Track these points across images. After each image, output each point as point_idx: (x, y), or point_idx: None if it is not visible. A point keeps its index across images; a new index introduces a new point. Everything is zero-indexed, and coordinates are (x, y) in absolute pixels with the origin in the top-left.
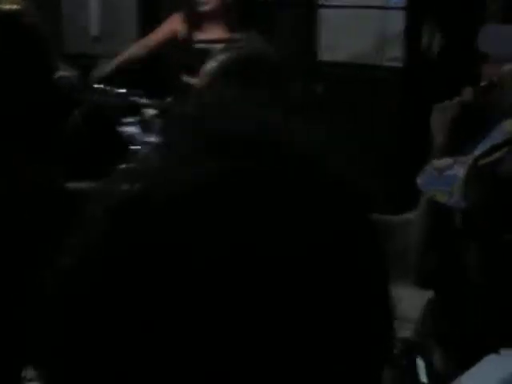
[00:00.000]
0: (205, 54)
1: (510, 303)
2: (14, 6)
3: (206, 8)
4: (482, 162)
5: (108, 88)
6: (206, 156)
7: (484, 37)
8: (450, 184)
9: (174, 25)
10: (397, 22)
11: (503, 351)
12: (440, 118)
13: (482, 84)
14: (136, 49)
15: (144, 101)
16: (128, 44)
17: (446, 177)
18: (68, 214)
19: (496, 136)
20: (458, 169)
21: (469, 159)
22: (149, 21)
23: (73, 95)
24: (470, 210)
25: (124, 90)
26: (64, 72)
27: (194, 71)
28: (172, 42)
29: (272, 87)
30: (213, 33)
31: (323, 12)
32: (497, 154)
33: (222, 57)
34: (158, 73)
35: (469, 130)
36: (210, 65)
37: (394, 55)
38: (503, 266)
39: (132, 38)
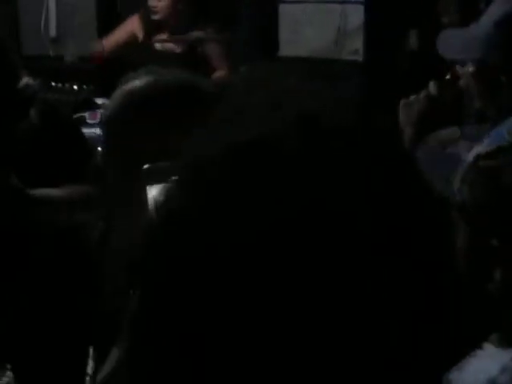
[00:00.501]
0: (163, 56)
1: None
2: None
3: (157, 17)
4: (485, 163)
5: (60, 85)
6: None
7: (442, 41)
8: (450, 168)
9: (133, 26)
10: (356, 16)
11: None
12: (407, 112)
13: (447, 77)
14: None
15: (104, 101)
16: (86, 44)
17: (448, 155)
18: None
19: (503, 134)
20: (463, 150)
21: (472, 150)
22: (108, 20)
23: (33, 100)
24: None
25: (76, 87)
26: (27, 79)
27: None
28: (131, 43)
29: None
30: (170, 34)
31: (282, 7)
32: (502, 159)
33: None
34: (114, 73)
35: (436, 122)
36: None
37: (353, 49)
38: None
39: (91, 39)
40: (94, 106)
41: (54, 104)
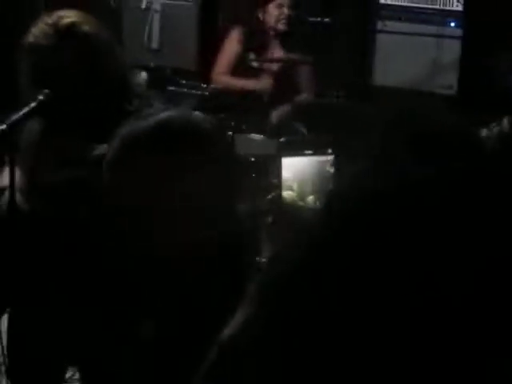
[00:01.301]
0: (259, 73)
1: None
2: (73, 19)
3: (284, 28)
4: None
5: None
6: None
7: None
8: None
9: (233, 44)
10: (452, 51)
11: None
12: None
13: None
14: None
15: None
16: (187, 56)
17: None
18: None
19: None
20: None
21: None
22: (207, 33)
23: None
24: None
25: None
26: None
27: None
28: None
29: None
30: (269, 53)
31: (380, 37)
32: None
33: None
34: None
35: None
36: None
37: (447, 83)
38: None
39: (191, 51)
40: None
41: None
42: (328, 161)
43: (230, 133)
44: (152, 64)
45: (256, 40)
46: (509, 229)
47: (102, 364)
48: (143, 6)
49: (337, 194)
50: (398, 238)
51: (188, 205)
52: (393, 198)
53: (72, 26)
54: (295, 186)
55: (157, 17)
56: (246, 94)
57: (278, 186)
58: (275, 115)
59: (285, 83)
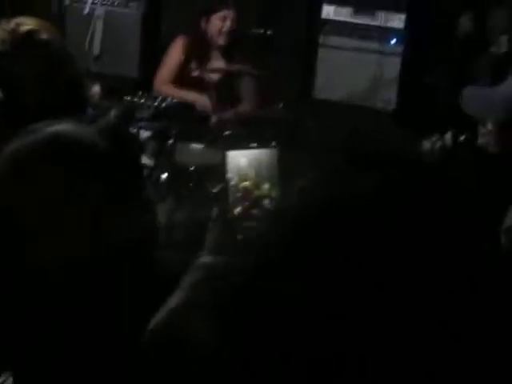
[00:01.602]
0: (200, 83)
1: None
2: (32, 26)
3: (222, 41)
4: None
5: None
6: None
7: (466, 97)
8: None
9: (176, 53)
10: (393, 68)
11: None
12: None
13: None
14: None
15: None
16: (129, 61)
17: None
18: None
19: None
20: None
21: None
22: (150, 41)
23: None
24: None
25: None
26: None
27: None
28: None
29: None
30: (211, 64)
31: (321, 51)
32: None
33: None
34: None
35: None
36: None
37: (387, 98)
38: None
39: (133, 58)
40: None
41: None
42: (275, 153)
43: (171, 141)
44: (93, 70)
45: (198, 50)
46: (443, 238)
47: None
48: (86, 11)
49: (286, 208)
50: (348, 245)
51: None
52: (341, 207)
53: (30, 33)
54: (252, 174)
55: (99, 23)
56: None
57: (225, 180)
58: (216, 125)
59: (225, 94)
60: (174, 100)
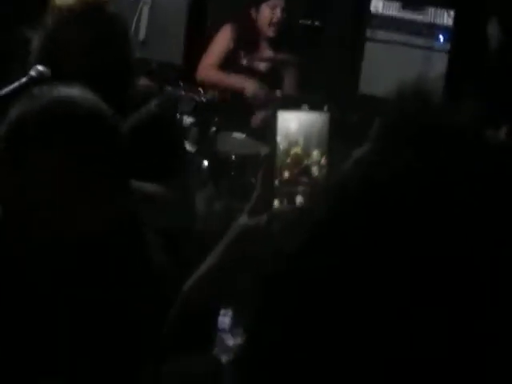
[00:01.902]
0: (248, 72)
1: None
2: None
3: (275, 32)
4: None
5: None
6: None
7: None
8: None
9: (225, 39)
10: (440, 64)
11: None
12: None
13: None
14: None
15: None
16: (174, 48)
17: None
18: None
19: None
20: None
21: None
22: (195, 28)
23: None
24: None
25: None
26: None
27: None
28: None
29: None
30: (259, 53)
31: (369, 45)
32: None
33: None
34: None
35: None
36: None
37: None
38: None
39: (178, 45)
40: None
41: (172, 99)
42: (326, 117)
43: (214, 129)
44: (138, 55)
45: (247, 38)
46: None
47: None
48: None
49: (338, 181)
50: (398, 226)
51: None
52: (394, 187)
53: (99, 4)
54: (301, 140)
55: (146, 9)
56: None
57: (274, 142)
58: (258, 116)
59: (273, 83)
60: (216, 96)
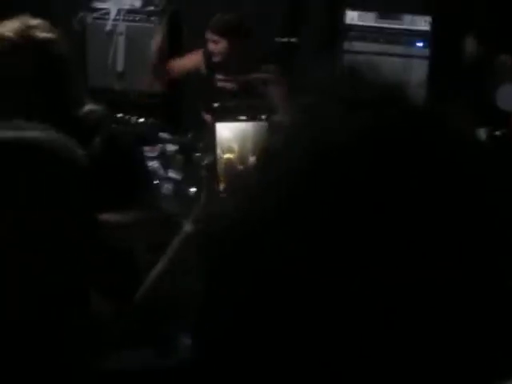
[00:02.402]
0: (222, 91)
1: None
2: (49, 35)
3: (216, 59)
4: None
5: (127, 117)
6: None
7: (501, 95)
8: None
9: (198, 59)
10: (421, 71)
11: None
12: None
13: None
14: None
15: (165, 135)
16: (150, 80)
17: None
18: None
19: None
20: None
21: None
22: (172, 55)
23: (98, 128)
24: None
25: (143, 120)
26: (92, 106)
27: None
28: (194, 74)
29: None
30: (230, 73)
31: (346, 57)
32: None
33: None
34: (177, 108)
35: None
36: None
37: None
38: None
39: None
40: (157, 140)
41: (116, 134)
42: (264, 126)
43: (198, 154)
44: (117, 87)
45: (211, 63)
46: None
47: None
48: (108, 28)
49: (272, 150)
50: (341, 186)
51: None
52: (333, 146)
53: (46, 43)
54: (236, 147)
55: (121, 39)
56: None
57: (213, 152)
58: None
59: (249, 101)
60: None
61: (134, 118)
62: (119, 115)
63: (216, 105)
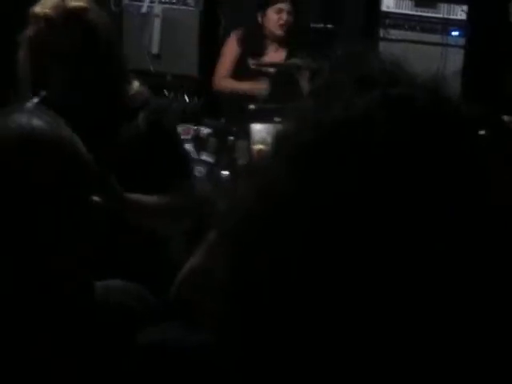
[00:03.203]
0: (258, 75)
1: None
2: (81, 3)
3: (281, 33)
4: None
5: (172, 95)
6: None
7: None
8: None
9: (232, 47)
10: (456, 60)
11: None
12: None
13: None
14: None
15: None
16: (188, 60)
17: None
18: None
19: None
20: None
21: None
22: (209, 40)
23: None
24: None
25: (187, 98)
26: (138, 86)
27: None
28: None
29: None
30: (268, 56)
31: (383, 45)
32: None
33: None
34: (212, 93)
35: None
36: None
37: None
38: None
39: (192, 57)
40: (200, 120)
41: (162, 113)
42: None
43: (232, 138)
44: (152, 69)
45: (254, 43)
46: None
47: None
48: (144, 10)
49: (285, 133)
50: (354, 168)
51: None
52: (345, 126)
53: (76, 11)
54: (269, 139)
55: (157, 21)
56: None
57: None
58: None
59: (283, 88)
60: (200, 102)
61: (179, 96)
62: (166, 93)
63: (251, 106)
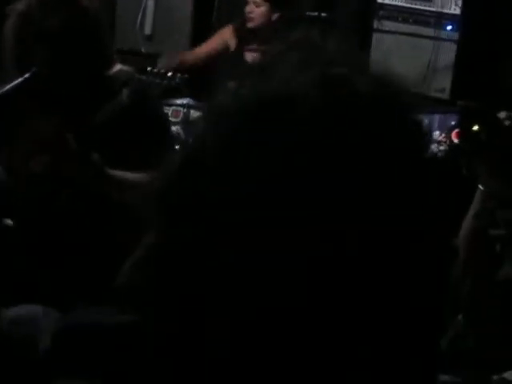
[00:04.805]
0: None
1: None
2: None
3: (251, 25)
4: None
5: (155, 70)
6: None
7: None
8: None
9: (225, 36)
10: (448, 54)
11: None
12: None
13: None
14: (188, 56)
15: (190, 101)
16: (179, 44)
17: None
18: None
19: None
20: None
21: None
22: (202, 23)
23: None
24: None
25: (170, 73)
26: (121, 66)
27: None
28: (223, 54)
29: None
30: (261, 47)
31: (376, 36)
32: None
33: None
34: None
35: None
36: None
37: (440, 86)
38: None
39: (185, 39)
40: (183, 94)
41: (145, 88)
42: None
43: None
44: (143, 50)
45: (245, 34)
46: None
47: None
48: None
49: (217, 104)
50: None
51: None
52: (277, 101)
53: None
54: None
55: (151, 3)
56: None
57: None
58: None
59: None
60: (185, 76)
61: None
62: (149, 68)
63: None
